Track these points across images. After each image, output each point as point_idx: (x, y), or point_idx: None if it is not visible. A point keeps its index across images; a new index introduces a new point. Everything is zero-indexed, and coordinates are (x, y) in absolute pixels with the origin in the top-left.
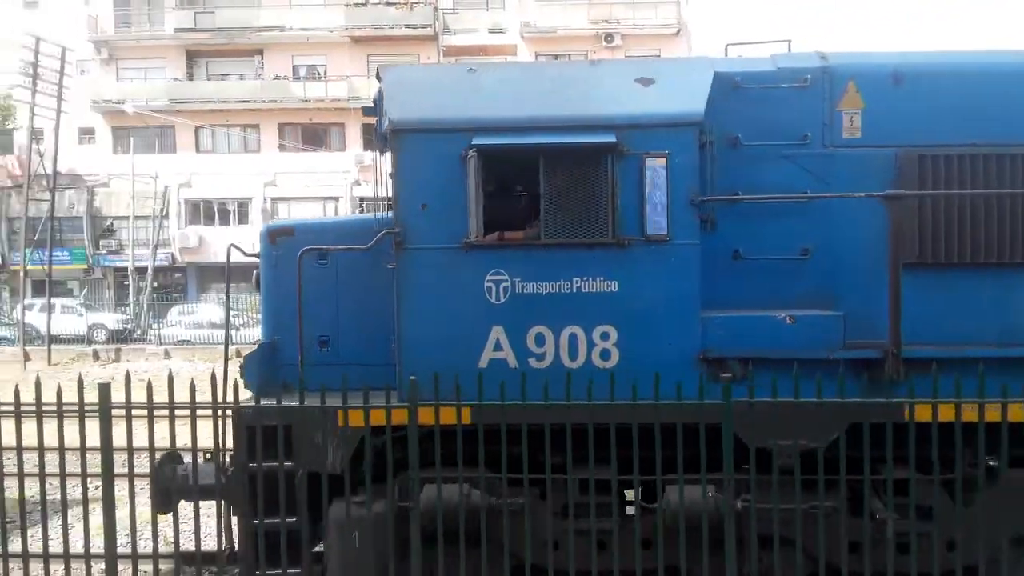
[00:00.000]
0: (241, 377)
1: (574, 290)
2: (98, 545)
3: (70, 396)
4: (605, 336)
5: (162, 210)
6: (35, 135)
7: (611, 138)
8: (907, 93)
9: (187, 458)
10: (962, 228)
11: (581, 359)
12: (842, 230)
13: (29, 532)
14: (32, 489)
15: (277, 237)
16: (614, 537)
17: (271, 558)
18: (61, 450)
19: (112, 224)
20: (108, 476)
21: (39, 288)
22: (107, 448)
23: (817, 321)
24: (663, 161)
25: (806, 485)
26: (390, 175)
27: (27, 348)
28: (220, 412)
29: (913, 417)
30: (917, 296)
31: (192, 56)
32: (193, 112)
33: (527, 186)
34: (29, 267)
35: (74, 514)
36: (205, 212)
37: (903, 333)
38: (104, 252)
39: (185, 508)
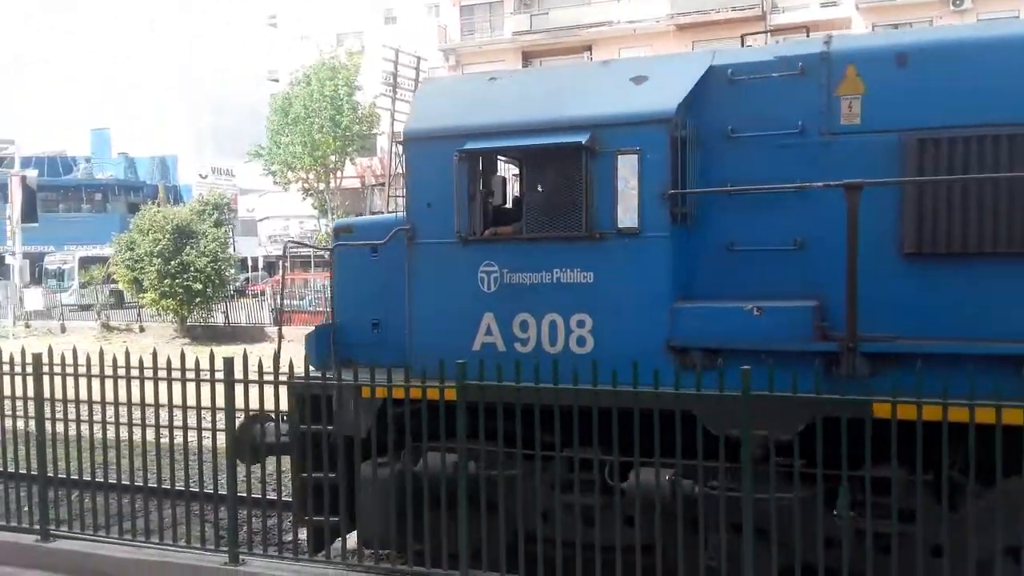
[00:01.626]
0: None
1: (554, 280)
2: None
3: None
4: (581, 324)
5: None
6: (395, 138)
7: (583, 138)
8: (912, 74)
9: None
10: (966, 215)
11: (560, 345)
12: (835, 221)
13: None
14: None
15: (340, 233)
16: (596, 513)
17: (318, 507)
18: (198, 408)
19: None
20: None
21: None
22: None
23: (785, 312)
24: (634, 157)
25: (777, 476)
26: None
27: None
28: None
29: (870, 415)
30: (913, 288)
31: (527, 56)
32: None
33: (519, 184)
34: None
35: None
36: None
37: (898, 325)
38: None
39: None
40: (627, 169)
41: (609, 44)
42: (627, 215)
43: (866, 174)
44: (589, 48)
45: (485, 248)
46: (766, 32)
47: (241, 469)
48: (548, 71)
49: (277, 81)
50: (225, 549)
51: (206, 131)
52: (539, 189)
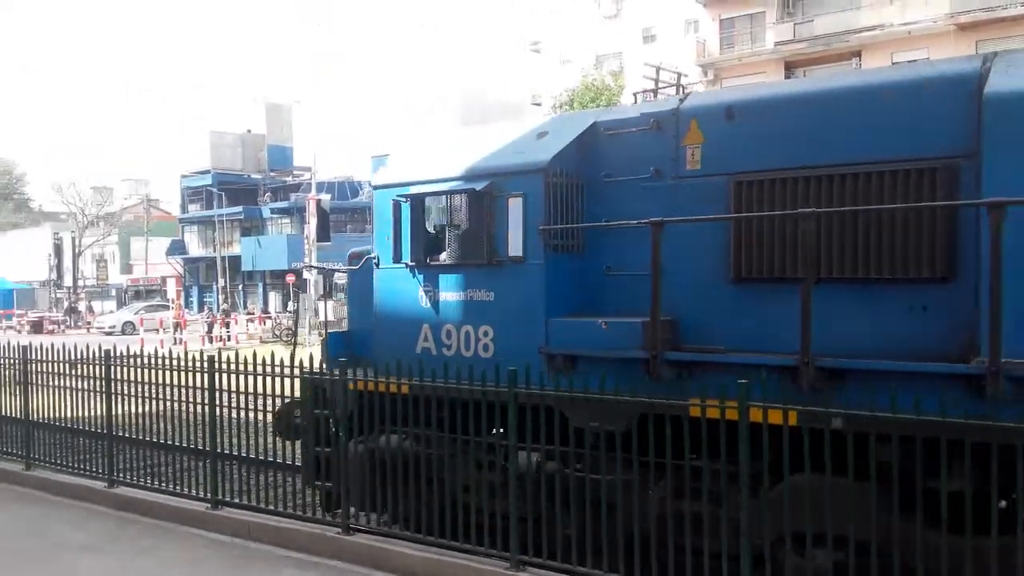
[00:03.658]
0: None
1: (468, 298)
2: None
3: None
4: (486, 333)
5: None
6: None
7: (483, 184)
8: (736, 126)
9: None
10: (764, 249)
11: (472, 350)
12: (683, 251)
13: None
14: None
15: (352, 259)
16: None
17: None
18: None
19: None
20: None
21: None
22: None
23: (624, 326)
24: (520, 200)
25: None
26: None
27: None
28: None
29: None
30: (737, 308)
31: (790, 67)
32: None
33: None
34: None
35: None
36: None
37: (726, 339)
38: None
39: None
40: (515, 209)
41: (881, 49)
42: (515, 246)
43: (704, 211)
44: (858, 54)
45: (423, 272)
46: None
47: None
48: (486, 133)
49: (539, 105)
50: (507, 554)
51: None
52: (458, 226)
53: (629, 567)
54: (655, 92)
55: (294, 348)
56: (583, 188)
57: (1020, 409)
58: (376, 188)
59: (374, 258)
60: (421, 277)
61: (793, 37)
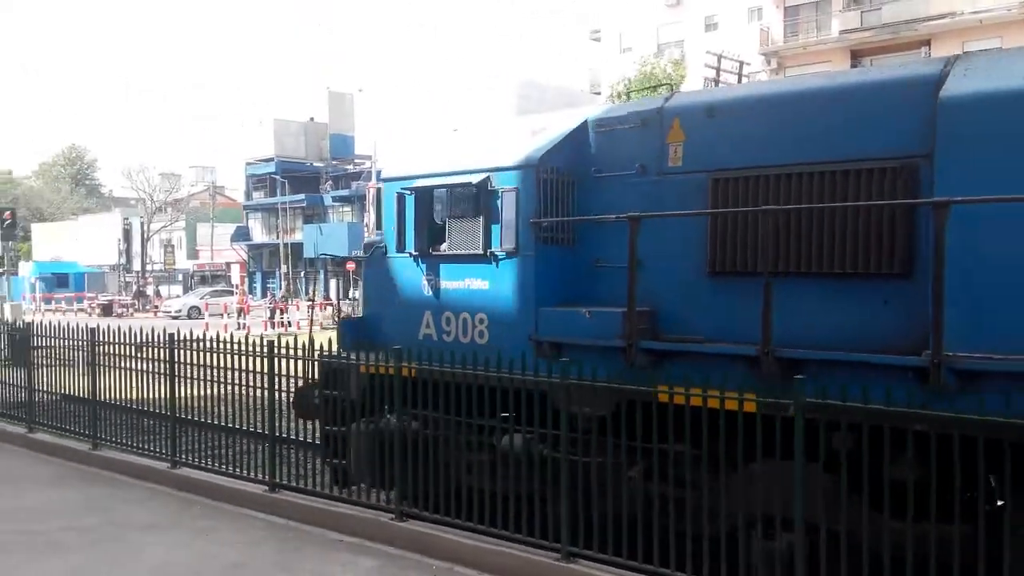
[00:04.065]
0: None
1: (466, 287)
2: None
3: None
4: (481, 321)
5: None
6: None
7: (480, 178)
8: (716, 124)
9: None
10: (737, 244)
11: (469, 337)
12: (665, 245)
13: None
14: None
15: (366, 248)
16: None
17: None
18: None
19: None
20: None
21: None
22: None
23: (605, 316)
24: (513, 194)
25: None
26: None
27: None
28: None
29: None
30: (713, 299)
31: (856, 55)
32: None
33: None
34: None
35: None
36: None
37: (703, 329)
38: None
39: None
40: (508, 203)
41: (951, 38)
42: (508, 238)
43: (686, 207)
44: (927, 43)
45: (425, 262)
46: None
47: None
48: (486, 128)
49: (599, 94)
50: (557, 545)
51: None
52: (456, 218)
53: (681, 562)
54: (716, 81)
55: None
56: (574, 183)
57: (976, 400)
58: (384, 180)
59: (382, 247)
60: (423, 266)
61: (860, 25)
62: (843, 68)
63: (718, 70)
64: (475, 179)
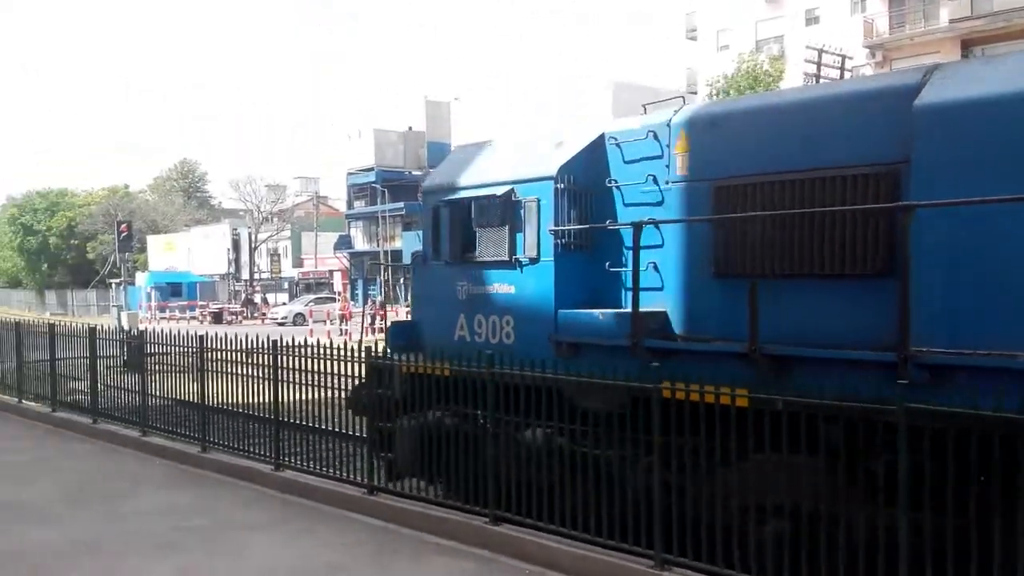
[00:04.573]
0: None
1: (495, 292)
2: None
3: None
4: (508, 323)
5: None
6: None
7: (505, 190)
8: (717, 136)
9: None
10: (736, 248)
11: (498, 338)
12: (676, 249)
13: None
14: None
15: (412, 256)
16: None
17: (382, 444)
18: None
19: None
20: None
21: None
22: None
23: (615, 317)
24: (534, 204)
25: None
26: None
27: None
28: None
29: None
30: (718, 300)
31: (966, 45)
32: None
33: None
34: None
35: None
36: None
37: (711, 328)
38: None
39: None
40: (531, 213)
41: None
42: (530, 245)
43: (692, 213)
44: None
45: (459, 268)
46: None
47: None
48: (513, 143)
49: (695, 93)
50: (651, 552)
51: None
52: (485, 227)
53: (778, 570)
54: (817, 77)
55: None
56: (591, 193)
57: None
58: (424, 192)
59: (422, 255)
60: (457, 272)
61: (970, 14)
62: (952, 59)
63: (819, 65)
64: (501, 191)
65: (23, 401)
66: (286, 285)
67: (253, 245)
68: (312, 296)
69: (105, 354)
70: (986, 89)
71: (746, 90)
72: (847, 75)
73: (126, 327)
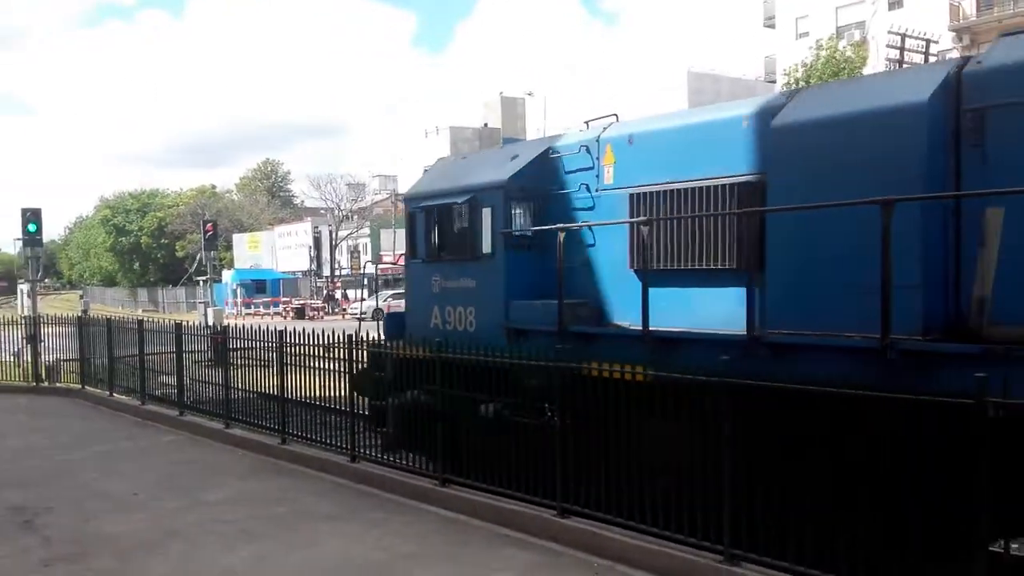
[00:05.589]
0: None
1: (460, 286)
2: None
3: None
4: (471, 312)
5: None
6: None
7: (467, 198)
8: (635, 150)
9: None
10: (644, 247)
11: (463, 326)
12: (605, 249)
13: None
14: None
15: (403, 257)
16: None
17: (378, 421)
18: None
19: None
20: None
21: None
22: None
23: (548, 307)
24: (490, 210)
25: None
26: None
27: None
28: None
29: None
30: (634, 292)
31: None
32: None
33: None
34: None
35: None
36: None
37: (632, 316)
38: None
39: None
40: (487, 217)
41: None
42: (487, 245)
43: (615, 218)
44: None
45: (433, 266)
46: None
47: None
48: (480, 156)
49: (774, 83)
50: (720, 547)
51: None
52: (452, 230)
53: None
54: (900, 62)
55: None
56: (539, 199)
57: (788, 367)
58: (404, 200)
59: (406, 255)
60: (432, 270)
61: None
62: None
63: (902, 50)
64: (461, 199)
65: (114, 394)
66: (365, 281)
67: (334, 242)
68: (390, 292)
69: (191, 349)
70: (829, 111)
71: (828, 78)
72: (931, 59)
73: (211, 323)
